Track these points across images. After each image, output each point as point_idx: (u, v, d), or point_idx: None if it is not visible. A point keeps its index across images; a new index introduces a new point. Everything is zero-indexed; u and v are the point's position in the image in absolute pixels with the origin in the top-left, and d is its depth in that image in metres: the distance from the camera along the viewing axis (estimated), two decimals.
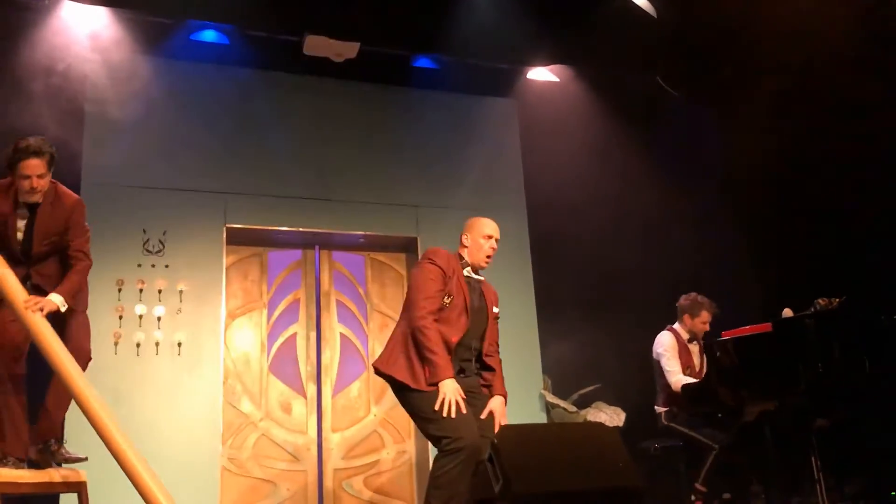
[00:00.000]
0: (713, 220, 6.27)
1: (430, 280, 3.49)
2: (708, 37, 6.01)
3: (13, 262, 3.52)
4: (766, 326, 4.31)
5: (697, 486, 4.55)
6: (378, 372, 3.56)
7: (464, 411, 3.25)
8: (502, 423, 3.32)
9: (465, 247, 3.68)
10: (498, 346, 3.70)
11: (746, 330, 4.41)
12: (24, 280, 3.51)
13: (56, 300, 3.40)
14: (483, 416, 3.40)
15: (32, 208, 3.54)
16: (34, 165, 3.41)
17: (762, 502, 4.35)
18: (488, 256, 3.66)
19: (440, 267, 3.52)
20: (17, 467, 3.40)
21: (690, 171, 6.36)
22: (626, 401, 5.72)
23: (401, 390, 3.44)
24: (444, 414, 3.21)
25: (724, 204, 6.40)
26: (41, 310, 3.35)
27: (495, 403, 3.47)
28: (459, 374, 3.46)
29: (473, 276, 3.64)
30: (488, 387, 3.58)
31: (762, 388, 4.27)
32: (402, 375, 3.41)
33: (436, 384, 3.29)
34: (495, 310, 3.68)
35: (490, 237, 3.67)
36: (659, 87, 6.41)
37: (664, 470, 5.04)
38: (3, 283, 3.42)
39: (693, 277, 5.89)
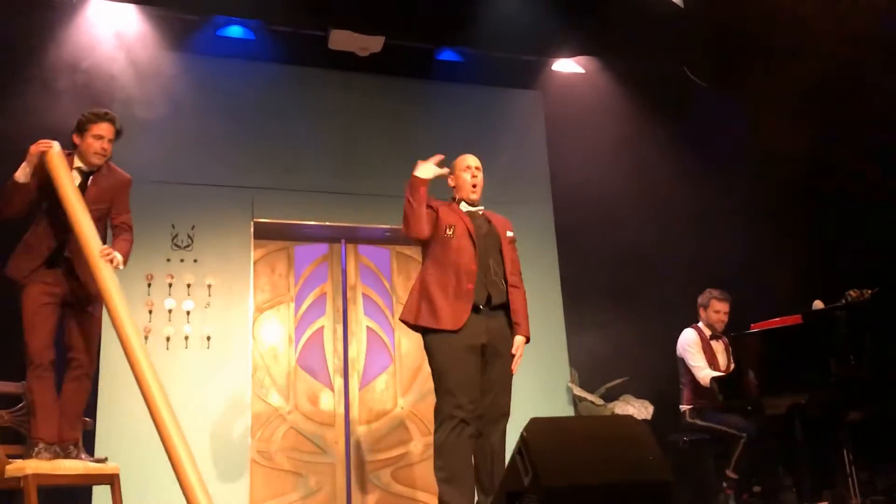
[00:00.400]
0: (742, 211, 6.20)
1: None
2: (735, 25, 5.94)
3: (56, 229, 3.59)
4: (797, 318, 4.26)
5: (728, 472, 4.54)
6: (405, 322, 3.81)
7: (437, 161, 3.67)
8: (515, 367, 3.72)
9: (453, 187, 3.96)
10: (520, 274, 3.90)
11: (776, 322, 4.36)
12: (60, 249, 3.59)
13: (118, 258, 3.54)
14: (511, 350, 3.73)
15: (86, 176, 3.66)
16: (107, 129, 3.64)
17: (793, 495, 4.31)
18: (474, 186, 3.89)
19: (432, 207, 3.81)
20: (49, 451, 3.44)
21: (718, 161, 6.30)
22: (653, 394, 5.69)
23: (426, 334, 3.71)
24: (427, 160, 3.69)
25: (753, 194, 6.33)
26: (111, 262, 3.48)
27: (516, 343, 3.76)
28: (486, 300, 3.67)
29: (473, 208, 3.88)
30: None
31: (792, 381, 4.23)
32: (425, 321, 3.68)
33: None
34: (509, 234, 3.89)
35: (469, 167, 3.93)
36: (686, 77, 6.36)
37: (693, 464, 5.03)
38: (80, 228, 3.46)
39: (722, 269, 5.85)
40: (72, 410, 3.63)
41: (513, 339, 3.78)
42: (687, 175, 6.27)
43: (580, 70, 6.40)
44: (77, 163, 3.67)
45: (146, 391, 3.23)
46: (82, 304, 3.66)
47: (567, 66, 6.39)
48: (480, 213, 3.91)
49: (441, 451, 3.53)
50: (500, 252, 3.80)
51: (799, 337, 4.19)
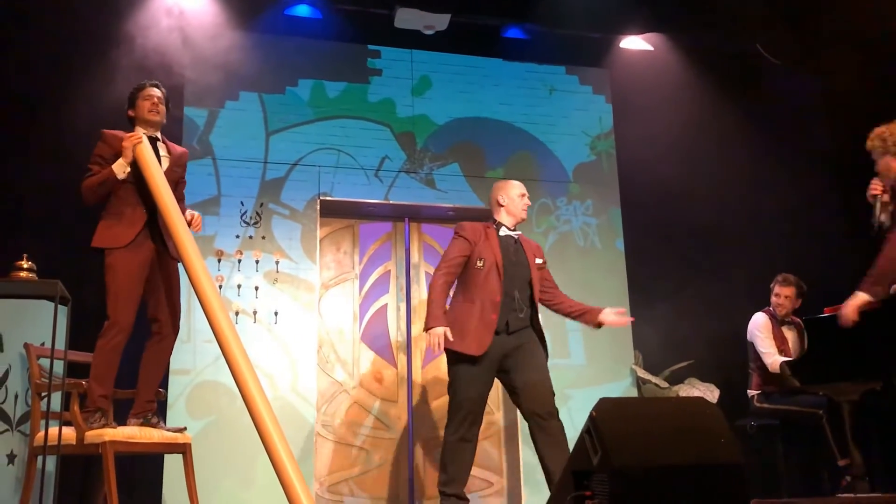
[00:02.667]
0: (814, 194, 6.03)
1: (452, 248, 4.06)
2: (810, 1, 5.76)
3: (144, 197, 3.67)
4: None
5: (840, 462, 4.44)
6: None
7: (437, 351, 3.90)
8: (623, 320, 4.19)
9: (502, 206, 4.18)
10: (556, 288, 4.24)
11: None
12: (152, 211, 3.67)
13: (199, 218, 3.86)
14: (604, 322, 4.12)
15: (152, 143, 3.77)
16: (154, 91, 3.83)
17: (866, 484, 4.20)
18: (524, 209, 4.19)
19: (465, 238, 4.05)
20: (105, 418, 3.52)
21: (791, 142, 6.13)
22: (719, 378, 5.60)
23: (450, 353, 4.00)
24: (427, 346, 3.93)
25: (826, 176, 6.16)
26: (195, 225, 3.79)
27: (606, 313, 4.11)
28: (505, 328, 3.96)
29: (511, 233, 4.13)
30: (584, 314, 4.18)
31: (866, 368, 4.11)
32: (451, 344, 3.92)
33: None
34: (538, 261, 4.16)
35: (524, 195, 4.21)
36: (759, 55, 6.18)
37: (761, 449, 4.95)
38: (169, 213, 3.56)
39: (792, 253, 5.71)
40: (153, 374, 3.72)
41: (536, 337, 4.10)
42: (759, 156, 6.12)
43: (648, 47, 6.28)
44: (140, 130, 3.77)
45: (234, 366, 3.29)
46: (167, 267, 3.73)
47: (635, 43, 6.27)
48: (516, 238, 4.15)
49: (446, 452, 4.02)
50: (529, 280, 4.08)
51: (875, 321, 4.07)
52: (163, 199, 3.57)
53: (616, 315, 4.14)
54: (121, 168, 3.60)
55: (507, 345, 3.98)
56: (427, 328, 3.92)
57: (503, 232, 4.12)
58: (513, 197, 4.19)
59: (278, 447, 3.16)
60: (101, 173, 3.62)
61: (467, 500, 4.01)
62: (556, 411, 3.97)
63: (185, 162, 3.98)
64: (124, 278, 3.54)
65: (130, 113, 3.83)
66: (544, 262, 4.23)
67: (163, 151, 3.81)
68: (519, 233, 4.19)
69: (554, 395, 4.02)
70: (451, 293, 4.11)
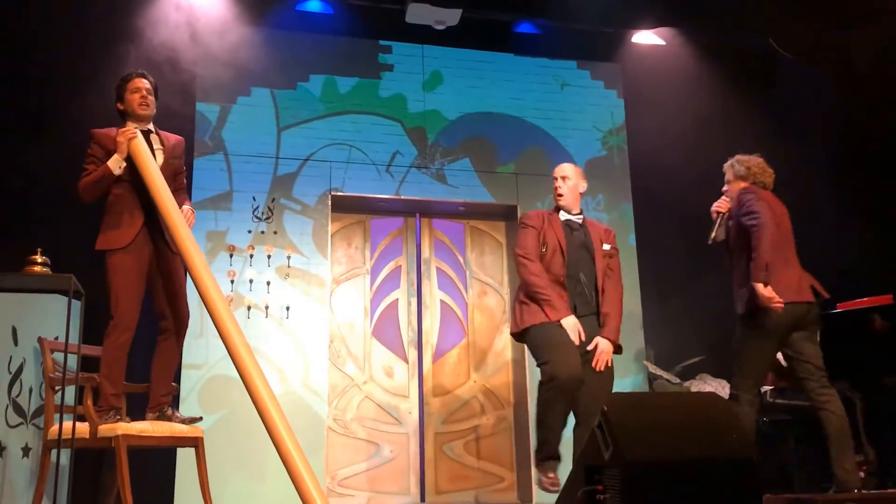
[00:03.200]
0: (828, 190, 5.99)
1: (525, 238, 4.03)
2: None
3: (141, 196, 3.64)
4: (886, 299, 4.13)
5: (857, 458, 4.43)
6: (514, 337, 4.12)
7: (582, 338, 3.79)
8: (599, 368, 3.85)
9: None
10: (617, 280, 4.07)
11: (864, 302, 4.23)
12: (151, 209, 3.63)
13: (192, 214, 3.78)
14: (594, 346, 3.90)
15: (147, 136, 3.71)
16: (141, 82, 3.72)
17: (879, 480, 4.19)
18: (558, 196, 4.11)
19: (531, 226, 4.04)
20: (119, 415, 3.53)
21: (805, 137, 6.09)
22: (730, 375, 5.57)
23: (529, 331, 3.92)
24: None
25: (841, 172, 6.11)
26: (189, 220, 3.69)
27: (594, 342, 3.90)
28: (573, 310, 3.89)
29: (572, 217, 4.09)
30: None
31: (880, 363, 4.09)
32: (528, 321, 3.90)
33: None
34: (605, 246, 4.07)
35: (555, 177, 4.14)
36: (771, 49, 6.14)
37: (773, 445, 4.93)
38: (166, 208, 3.52)
39: (805, 249, 5.67)
40: (165, 369, 3.74)
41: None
42: (771, 150, 6.06)
43: (661, 42, 6.25)
44: (132, 125, 3.72)
45: (236, 356, 3.30)
46: (169, 263, 3.72)
47: (647, 38, 6.25)
48: (580, 222, 4.10)
49: (538, 407, 3.86)
50: (593, 263, 4.01)
51: (888, 317, 4.05)
52: (159, 195, 3.54)
53: (597, 354, 3.91)
54: (116, 164, 3.57)
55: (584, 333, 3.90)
56: (558, 318, 3.82)
57: (563, 216, 4.10)
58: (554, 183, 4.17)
59: (286, 440, 3.17)
60: (98, 171, 3.59)
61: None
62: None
63: (182, 151, 3.91)
64: (124, 278, 3.54)
65: (120, 107, 3.75)
66: (612, 249, 4.13)
67: (156, 144, 3.76)
68: (582, 217, 4.14)
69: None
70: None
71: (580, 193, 4.15)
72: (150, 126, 3.78)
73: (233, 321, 3.39)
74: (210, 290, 3.38)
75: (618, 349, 4.04)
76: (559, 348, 3.76)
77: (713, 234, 4.25)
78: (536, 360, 3.91)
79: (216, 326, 3.37)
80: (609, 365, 3.93)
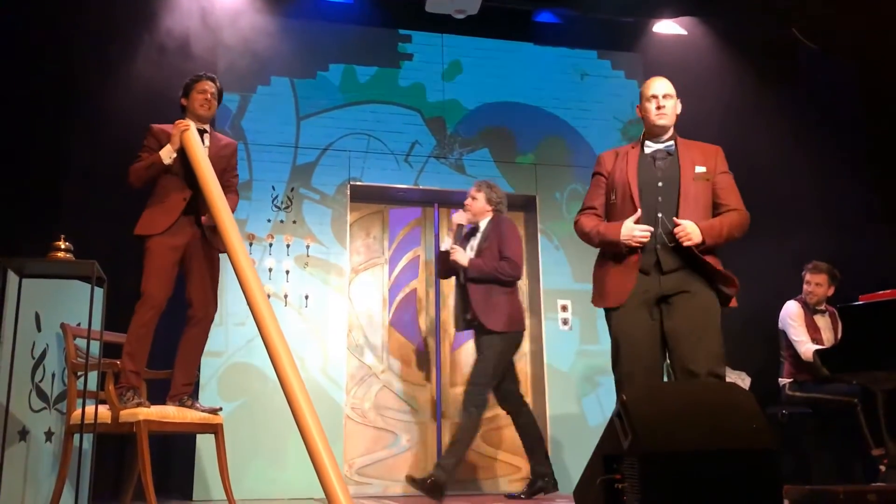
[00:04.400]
0: (849, 180, 5.93)
1: (590, 189, 3.50)
2: None
3: (185, 183, 3.78)
4: None
5: (874, 452, 4.41)
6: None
7: (642, 239, 3.17)
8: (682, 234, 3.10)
9: (642, 118, 3.46)
10: (726, 208, 3.27)
11: (887, 294, 4.18)
12: (193, 197, 3.77)
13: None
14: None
15: (200, 135, 3.87)
16: (210, 86, 3.95)
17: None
18: (658, 116, 3.36)
19: (598, 173, 3.48)
20: (137, 396, 3.59)
21: (827, 128, 6.03)
22: (750, 366, 5.55)
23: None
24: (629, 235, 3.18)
25: (862, 162, 6.05)
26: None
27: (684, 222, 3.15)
28: (655, 267, 3.19)
29: (659, 146, 3.36)
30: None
31: None
32: (596, 301, 3.40)
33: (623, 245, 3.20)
34: (699, 169, 3.27)
35: (654, 97, 3.38)
36: (794, 39, 6.07)
37: (793, 437, 4.91)
38: (213, 199, 3.61)
39: (826, 240, 5.63)
40: (189, 358, 3.79)
41: (697, 288, 3.20)
42: (794, 141, 6.02)
43: (682, 32, 6.20)
44: (195, 113, 3.92)
45: (273, 351, 3.32)
46: (206, 247, 3.81)
47: (668, 27, 6.20)
48: (669, 150, 3.35)
49: None
50: (677, 199, 3.22)
51: None
52: (208, 186, 3.65)
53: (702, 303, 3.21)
54: (167, 154, 3.73)
55: (665, 284, 3.20)
56: (614, 237, 3.23)
57: (648, 148, 3.38)
58: (644, 105, 3.44)
59: (312, 430, 3.20)
60: (149, 158, 3.76)
61: None
62: (718, 373, 3.16)
63: (231, 153, 4.04)
64: (158, 258, 3.65)
65: (183, 102, 3.96)
66: (709, 171, 3.29)
67: (206, 142, 3.90)
68: (671, 143, 3.37)
69: (716, 355, 3.19)
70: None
71: (677, 114, 3.44)
72: (206, 126, 3.96)
73: (271, 313, 3.42)
74: (251, 283, 3.41)
75: (723, 282, 3.20)
76: (629, 360, 3.20)
77: (451, 245, 4.70)
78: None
79: (255, 319, 3.40)
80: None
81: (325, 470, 3.07)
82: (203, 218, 3.76)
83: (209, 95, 3.93)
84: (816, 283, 5.03)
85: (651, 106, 3.38)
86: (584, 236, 3.41)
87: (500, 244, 4.60)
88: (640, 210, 3.24)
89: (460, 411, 4.63)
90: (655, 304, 3.22)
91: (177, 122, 3.81)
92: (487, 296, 4.55)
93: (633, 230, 3.19)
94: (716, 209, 3.30)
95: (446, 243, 4.77)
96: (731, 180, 3.35)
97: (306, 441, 3.16)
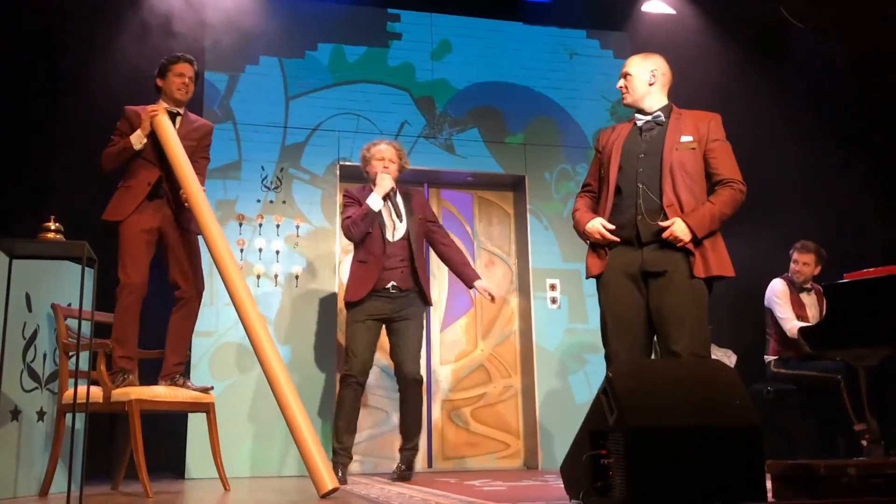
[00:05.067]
0: (837, 160, 5.98)
1: (590, 166, 3.53)
2: None
3: (152, 166, 3.82)
4: (893, 269, 4.14)
5: (857, 427, 4.49)
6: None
7: (605, 237, 3.22)
8: (675, 235, 3.07)
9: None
10: (726, 179, 3.22)
11: (870, 272, 4.24)
12: (160, 181, 3.82)
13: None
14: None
15: (172, 117, 3.89)
16: (187, 68, 3.91)
17: (881, 448, 4.23)
18: (623, 95, 3.43)
19: (595, 149, 3.51)
20: (128, 378, 3.63)
21: (815, 108, 6.06)
22: (736, 344, 5.62)
23: None
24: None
25: (849, 142, 6.09)
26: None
27: (670, 221, 3.11)
28: (635, 237, 3.19)
29: (646, 117, 3.35)
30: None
31: (885, 334, 4.11)
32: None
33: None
34: (684, 138, 3.23)
35: (620, 77, 3.45)
36: (783, 18, 6.09)
37: (778, 414, 4.98)
38: (188, 183, 3.67)
39: (813, 220, 5.68)
40: (179, 338, 3.82)
41: (682, 268, 3.16)
42: (781, 121, 6.06)
43: (670, 11, 6.21)
44: (163, 104, 3.90)
45: (246, 321, 3.39)
46: (181, 229, 3.85)
47: (657, 6, 6.21)
48: (657, 119, 3.34)
49: None
50: (660, 168, 3.20)
51: (894, 289, 4.07)
52: (181, 169, 3.69)
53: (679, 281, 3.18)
54: (137, 139, 3.75)
55: (648, 261, 3.18)
56: (581, 228, 3.31)
57: (640, 120, 3.37)
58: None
59: (293, 407, 3.27)
60: (119, 143, 3.78)
61: None
62: (701, 356, 3.15)
63: (202, 135, 4.03)
64: (129, 243, 3.70)
65: (159, 82, 3.93)
66: (697, 140, 3.23)
67: (177, 125, 3.91)
68: (659, 114, 3.34)
69: (700, 338, 3.19)
70: None
71: (650, 85, 3.37)
72: (181, 109, 3.95)
73: (246, 291, 3.48)
74: (226, 261, 3.47)
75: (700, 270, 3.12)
76: (615, 336, 3.24)
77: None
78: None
79: (230, 294, 3.45)
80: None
81: (305, 444, 3.14)
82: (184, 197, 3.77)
83: (187, 79, 3.90)
84: (804, 262, 5.09)
85: (620, 83, 3.45)
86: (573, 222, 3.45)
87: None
88: (611, 192, 3.26)
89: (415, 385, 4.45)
90: (642, 279, 3.21)
91: (146, 107, 3.80)
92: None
93: (598, 228, 3.24)
94: (709, 179, 3.28)
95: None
96: (726, 148, 3.30)
97: (287, 417, 3.24)
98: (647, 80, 3.37)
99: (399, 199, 4.50)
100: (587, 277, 3.37)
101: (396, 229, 4.43)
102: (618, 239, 3.23)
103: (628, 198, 3.24)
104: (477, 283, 4.57)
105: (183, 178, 3.68)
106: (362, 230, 4.29)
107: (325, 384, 5.23)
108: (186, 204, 3.72)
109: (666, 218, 3.15)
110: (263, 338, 3.44)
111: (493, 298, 4.57)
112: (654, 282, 3.19)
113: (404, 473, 4.37)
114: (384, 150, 4.47)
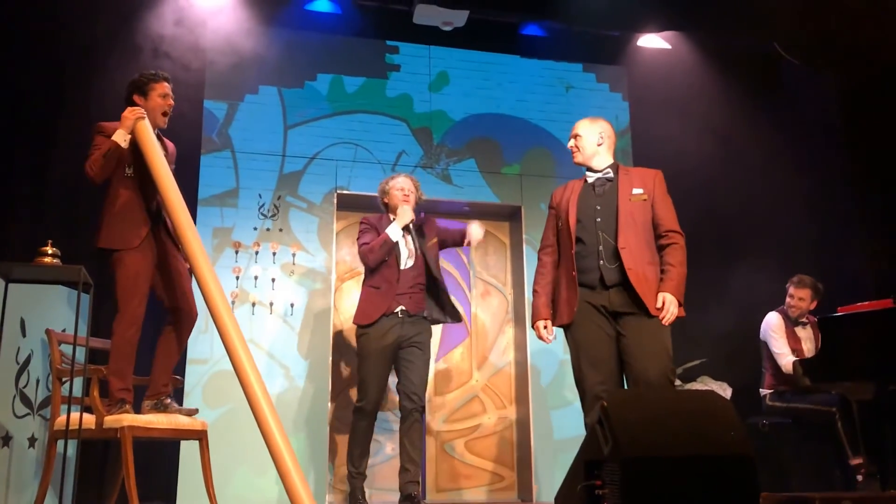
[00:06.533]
0: (831, 192, 6.02)
1: (546, 224, 3.82)
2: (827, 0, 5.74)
3: (149, 193, 3.68)
4: (887, 303, 4.15)
5: (852, 461, 4.47)
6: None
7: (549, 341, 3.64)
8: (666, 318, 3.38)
9: None
10: (670, 232, 3.54)
11: (865, 306, 4.25)
12: (160, 207, 3.70)
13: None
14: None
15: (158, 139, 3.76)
16: (168, 88, 3.77)
17: (877, 482, 4.22)
18: (573, 154, 3.79)
19: (550, 206, 3.81)
20: (124, 407, 3.58)
21: (808, 140, 6.12)
22: (731, 377, 5.61)
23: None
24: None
25: (843, 174, 6.14)
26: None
27: (660, 298, 3.40)
28: (599, 282, 3.49)
29: (598, 175, 3.69)
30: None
31: (879, 367, 4.12)
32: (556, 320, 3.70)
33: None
34: (636, 191, 3.58)
35: (570, 137, 3.81)
36: (776, 53, 6.17)
37: (773, 448, 4.96)
38: (169, 196, 3.51)
39: (808, 252, 5.71)
40: (168, 359, 3.78)
41: (642, 313, 3.46)
42: (776, 154, 6.11)
43: (666, 46, 6.29)
44: (154, 119, 3.75)
45: (234, 358, 3.34)
46: (176, 259, 3.79)
47: (652, 41, 6.28)
48: (606, 176, 3.67)
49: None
50: (616, 220, 3.52)
51: (890, 322, 4.08)
52: (162, 179, 3.53)
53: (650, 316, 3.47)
54: (121, 137, 3.56)
55: (613, 299, 3.48)
56: (534, 322, 3.70)
57: (591, 177, 3.70)
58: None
59: (276, 437, 3.24)
60: (104, 145, 3.58)
61: None
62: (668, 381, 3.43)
63: (173, 160, 3.91)
64: (133, 275, 3.58)
65: (138, 100, 3.75)
66: (645, 192, 3.58)
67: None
68: (608, 172, 3.67)
69: (665, 371, 3.43)
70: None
71: (598, 145, 3.70)
72: (158, 132, 3.82)
73: (231, 317, 3.40)
74: (207, 279, 3.39)
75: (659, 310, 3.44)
76: (588, 372, 3.51)
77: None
78: None
79: (214, 319, 3.39)
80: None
81: (288, 474, 3.11)
82: None
83: (171, 101, 3.77)
84: (800, 297, 5.09)
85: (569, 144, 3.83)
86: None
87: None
88: (573, 243, 3.57)
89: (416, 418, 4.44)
90: (609, 319, 3.51)
91: (129, 108, 3.64)
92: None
93: (540, 331, 3.65)
94: (654, 227, 3.61)
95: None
96: (669, 203, 3.66)
97: (270, 449, 3.19)
98: (595, 141, 3.72)
99: (414, 230, 4.57)
100: (557, 325, 3.66)
101: (410, 258, 4.49)
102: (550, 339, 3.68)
103: (590, 245, 3.56)
104: (471, 230, 4.60)
105: (165, 190, 3.52)
106: (378, 258, 4.37)
107: (319, 412, 5.20)
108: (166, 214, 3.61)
109: (620, 258, 3.47)
110: (246, 363, 3.37)
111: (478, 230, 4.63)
112: (623, 319, 3.49)
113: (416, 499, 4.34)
114: (403, 182, 4.55)
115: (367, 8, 5.83)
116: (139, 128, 3.59)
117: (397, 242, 4.45)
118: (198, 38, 5.49)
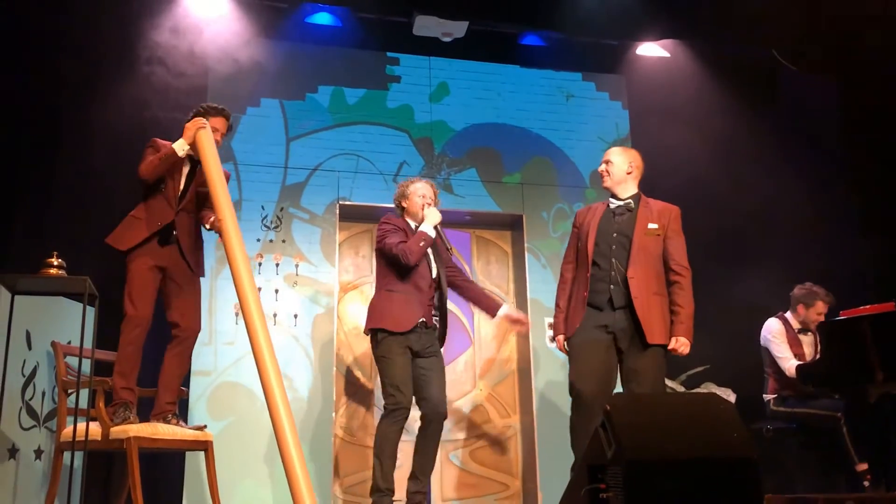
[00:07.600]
0: (831, 199, 6.04)
1: (569, 241, 4.16)
2: (826, 6, 5.78)
3: (168, 206, 3.81)
4: (889, 306, 4.16)
5: (858, 468, 4.47)
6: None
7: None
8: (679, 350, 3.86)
9: None
10: (678, 267, 3.90)
11: (867, 310, 4.26)
12: (172, 227, 3.80)
13: None
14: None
15: (195, 163, 3.88)
16: (223, 123, 3.97)
17: (882, 486, 4.21)
18: (603, 178, 4.09)
19: (574, 226, 4.12)
20: (129, 410, 3.61)
21: (808, 148, 6.15)
22: (735, 382, 5.61)
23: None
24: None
25: (843, 181, 6.16)
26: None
27: (673, 343, 3.88)
28: (608, 303, 3.83)
29: (621, 203, 4.00)
30: None
31: (881, 371, 4.12)
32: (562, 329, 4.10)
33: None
34: (651, 225, 3.90)
35: (603, 161, 4.11)
36: (775, 61, 6.21)
37: (777, 453, 4.96)
38: (221, 203, 3.63)
39: (808, 258, 5.72)
40: (172, 377, 3.81)
41: (641, 338, 3.82)
42: (776, 161, 6.13)
43: (665, 54, 6.32)
44: (191, 151, 3.86)
45: (262, 368, 3.35)
46: (190, 270, 3.86)
47: (652, 50, 6.32)
48: (630, 206, 3.99)
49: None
50: (629, 250, 3.87)
51: (891, 326, 4.08)
52: (216, 188, 3.66)
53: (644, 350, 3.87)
54: (181, 146, 3.75)
55: (617, 323, 3.84)
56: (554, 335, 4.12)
57: (613, 203, 4.03)
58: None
59: (291, 447, 3.23)
60: (162, 150, 3.75)
61: None
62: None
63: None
64: (140, 278, 3.69)
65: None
66: (660, 227, 3.92)
67: (196, 173, 3.93)
68: (630, 201, 4.01)
69: (662, 382, 3.98)
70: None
71: (628, 174, 4.02)
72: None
73: (265, 329, 3.45)
74: (245, 286, 3.45)
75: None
76: (582, 380, 3.85)
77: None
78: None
79: (247, 328, 3.42)
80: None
81: (298, 487, 3.10)
82: (211, 220, 3.79)
83: (220, 136, 3.93)
84: (818, 312, 5.05)
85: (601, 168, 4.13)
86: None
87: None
88: (590, 266, 3.90)
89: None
90: (611, 336, 3.83)
91: (194, 118, 3.81)
92: None
93: (561, 344, 4.00)
94: (664, 261, 3.91)
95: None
96: (681, 240, 3.96)
97: (283, 457, 3.19)
98: (625, 169, 4.01)
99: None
100: (565, 337, 3.99)
101: (432, 267, 4.43)
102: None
103: (604, 270, 3.87)
104: (502, 312, 4.52)
105: (216, 193, 3.65)
106: (419, 257, 4.25)
107: (323, 423, 5.20)
108: (214, 226, 3.73)
109: (628, 286, 3.79)
110: (275, 383, 3.39)
111: (524, 321, 4.68)
112: (626, 340, 3.81)
113: None
114: (425, 189, 4.49)
115: (368, 20, 5.87)
116: (200, 136, 3.74)
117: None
118: (199, 51, 5.52)
